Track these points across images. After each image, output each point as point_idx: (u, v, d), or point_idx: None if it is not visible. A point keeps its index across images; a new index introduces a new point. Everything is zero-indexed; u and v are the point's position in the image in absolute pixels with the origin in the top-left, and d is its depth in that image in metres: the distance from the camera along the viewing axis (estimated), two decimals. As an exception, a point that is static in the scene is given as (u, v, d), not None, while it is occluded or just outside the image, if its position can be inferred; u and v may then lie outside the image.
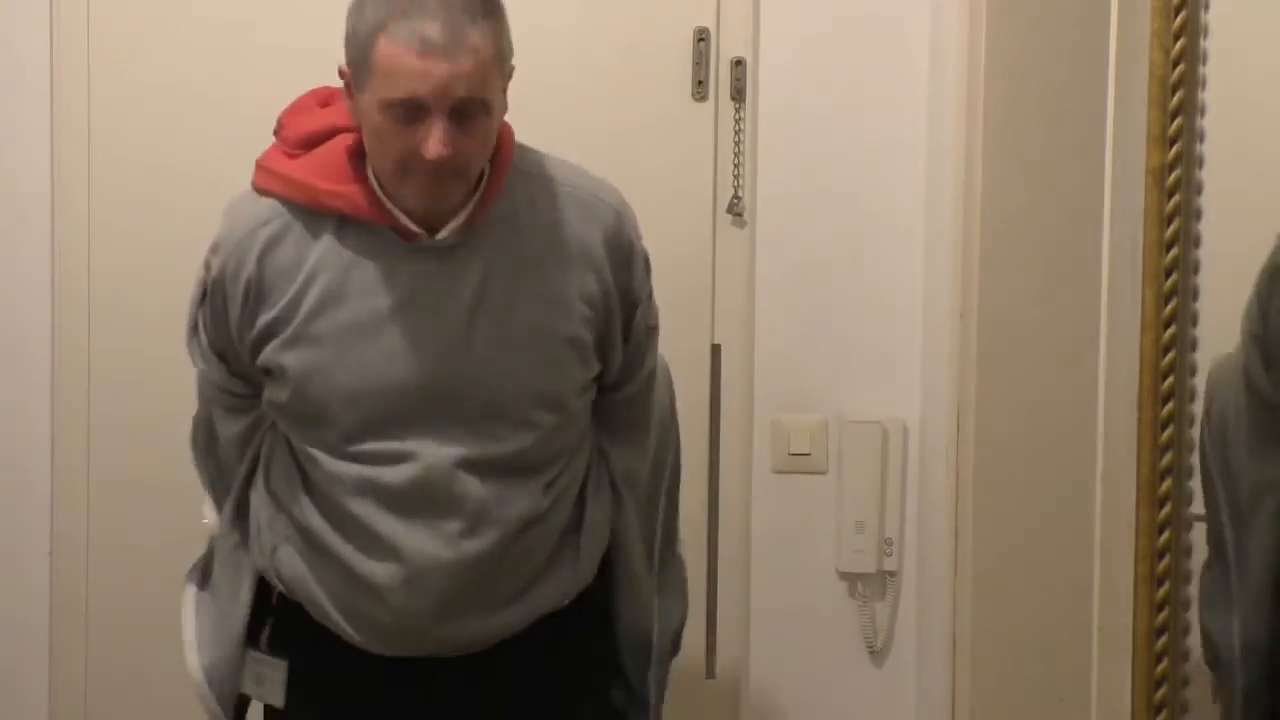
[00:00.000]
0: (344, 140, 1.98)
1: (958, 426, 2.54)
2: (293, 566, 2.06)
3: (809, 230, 2.71)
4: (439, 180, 1.90)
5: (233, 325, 2.03)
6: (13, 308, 2.78)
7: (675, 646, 2.23)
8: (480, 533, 1.99)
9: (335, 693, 2.09)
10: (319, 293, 1.97)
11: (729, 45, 2.74)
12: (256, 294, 2.00)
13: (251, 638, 2.12)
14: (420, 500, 1.98)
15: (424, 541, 1.98)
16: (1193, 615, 1.65)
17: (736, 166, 2.74)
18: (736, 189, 2.74)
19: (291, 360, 1.98)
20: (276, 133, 2.07)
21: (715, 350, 2.76)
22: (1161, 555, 1.57)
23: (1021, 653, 2.38)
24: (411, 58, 1.84)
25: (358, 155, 1.97)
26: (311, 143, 2.01)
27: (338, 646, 2.05)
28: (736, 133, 2.75)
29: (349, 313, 1.97)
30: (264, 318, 2.00)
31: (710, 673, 2.74)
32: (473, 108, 1.88)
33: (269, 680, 2.10)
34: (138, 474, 2.80)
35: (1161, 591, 1.57)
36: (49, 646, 2.81)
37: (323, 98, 2.08)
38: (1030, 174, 2.37)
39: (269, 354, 2.00)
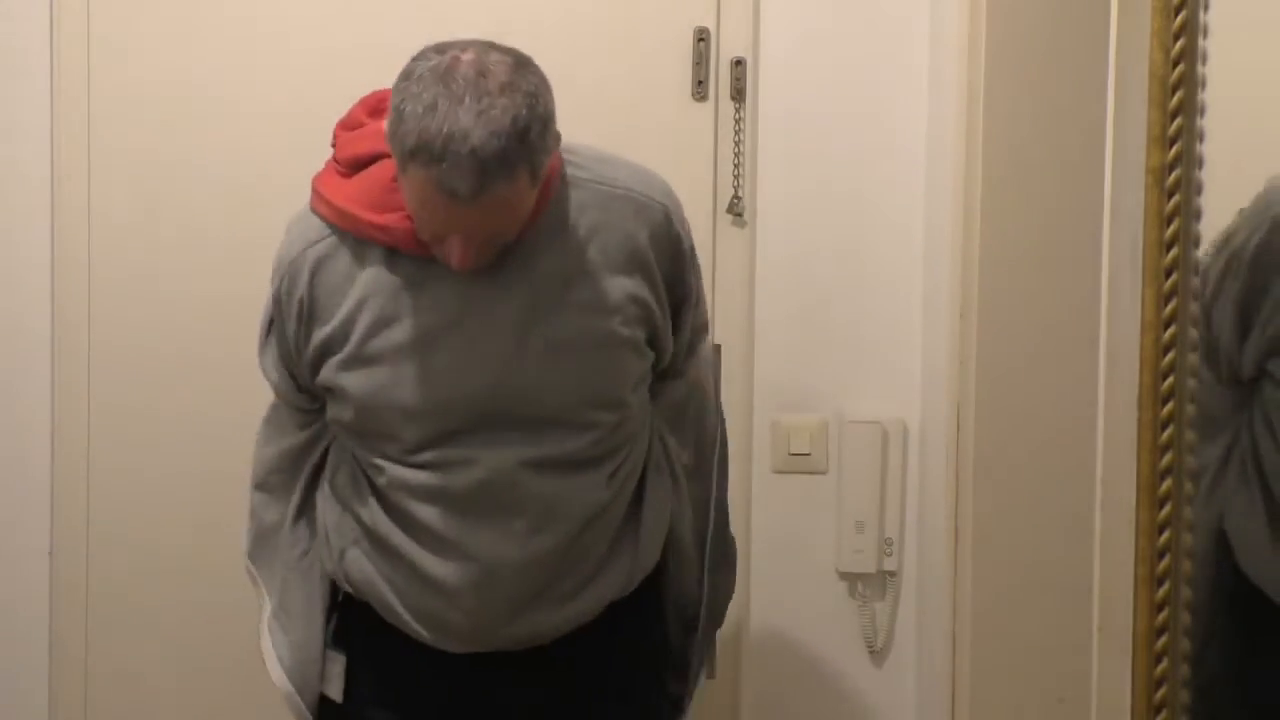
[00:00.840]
0: (388, 167, 1.96)
1: (958, 426, 2.54)
2: (361, 569, 2.08)
3: (809, 230, 2.71)
4: (470, 261, 1.94)
5: (291, 341, 2.06)
6: (13, 307, 2.78)
7: (718, 619, 2.28)
8: (547, 529, 2.02)
9: (399, 686, 2.12)
10: (372, 315, 2.00)
11: (729, 45, 2.74)
12: (310, 312, 2.03)
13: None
14: (486, 502, 2.01)
15: (492, 542, 2.00)
16: (1193, 615, 1.66)
17: (736, 166, 2.74)
18: (736, 189, 2.74)
19: (351, 382, 2.01)
20: (333, 145, 2.10)
21: (715, 350, 2.76)
22: (1161, 555, 1.57)
23: (1021, 653, 2.38)
24: (439, 201, 1.85)
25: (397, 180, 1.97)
26: (358, 164, 2.02)
27: (403, 641, 2.07)
28: (736, 133, 2.75)
29: (403, 333, 1.99)
30: (319, 334, 2.02)
31: (710, 673, 2.74)
32: (501, 234, 1.92)
33: (329, 674, 2.12)
34: (138, 474, 2.80)
35: (1161, 591, 1.57)
36: (49, 646, 2.81)
37: (371, 106, 2.09)
38: (1030, 174, 2.37)
39: (327, 374, 2.03)
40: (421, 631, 2.05)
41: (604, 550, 2.08)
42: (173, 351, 2.79)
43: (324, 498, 2.13)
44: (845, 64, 2.72)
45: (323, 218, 2.04)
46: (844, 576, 2.78)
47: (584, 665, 2.12)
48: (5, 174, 2.76)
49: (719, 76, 2.74)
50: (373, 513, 2.05)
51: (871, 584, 2.78)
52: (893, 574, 2.77)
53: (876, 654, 2.79)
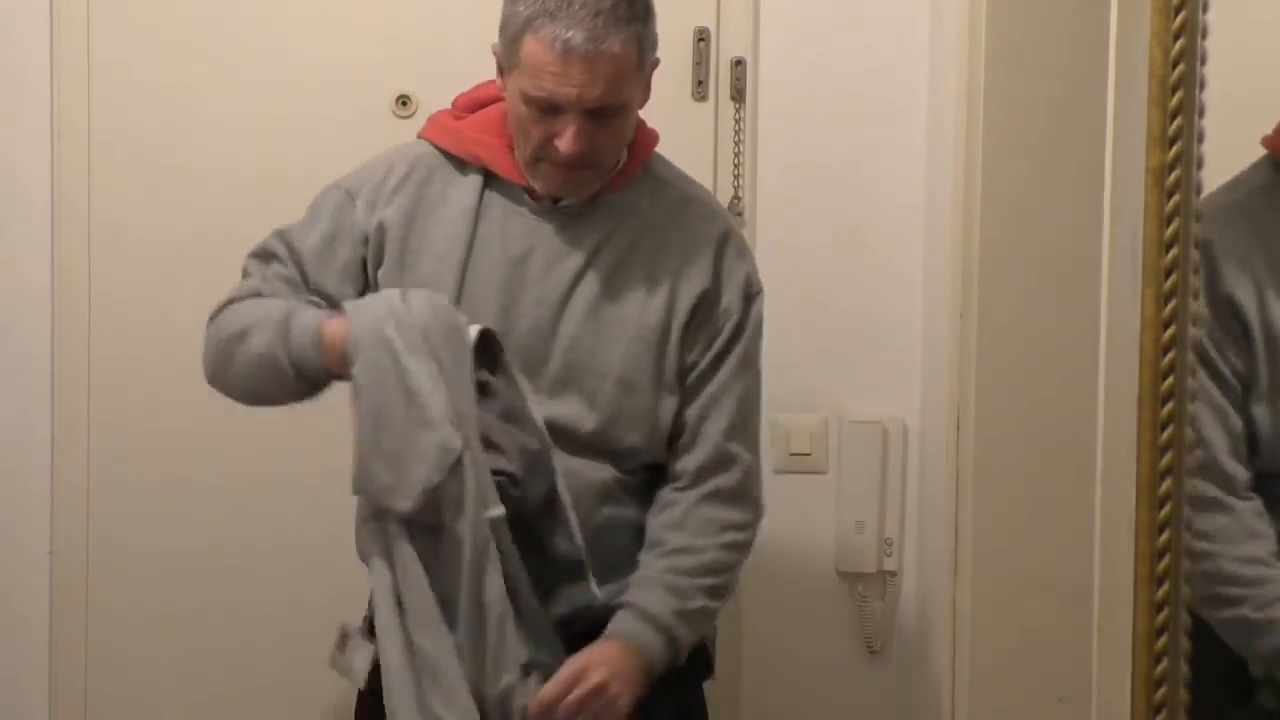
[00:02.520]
0: (502, 106, 2.09)
1: (958, 426, 2.54)
2: None
3: (809, 230, 2.71)
4: (570, 171, 2.02)
5: (351, 233, 2.10)
6: (13, 308, 2.78)
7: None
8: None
9: None
10: (445, 230, 2.07)
11: (729, 45, 2.74)
12: (387, 206, 2.09)
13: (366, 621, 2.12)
14: None
15: None
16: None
17: (736, 166, 2.75)
18: (736, 189, 2.74)
19: (405, 281, 2.07)
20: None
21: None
22: (1161, 555, 1.57)
23: (1021, 653, 2.38)
24: (553, 60, 1.94)
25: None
26: (476, 106, 2.14)
27: None
28: (736, 133, 2.75)
29: (466, 252, 2.07)
30: (391, 236, 2.09)
31: (710, 673, 2.74)
32: (609, 109, 1.99)
33: (358, 666, 2.08)
34: (138, 474, 2.80)
35: (1161, 591, 1.57)
36: (49, 646, 2.81)
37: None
38: (1030, 174, 2.37)
39: (382, 273, 2.09)
40: None
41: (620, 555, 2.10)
42: (172, 353, 2.78)
43: None
44: (845, 64, 2.72)
45: (430, 140, 2.14)
46: (844, 576, 2.78)
47: None
48: (5, 175, 2.76)
49: (719, 76, 2.75)
50: None
51: (871, 584, 2.79)
52: (892, 574, 2.77)
53: (876, 654, 2.79)
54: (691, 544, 2.09)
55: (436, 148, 2.14)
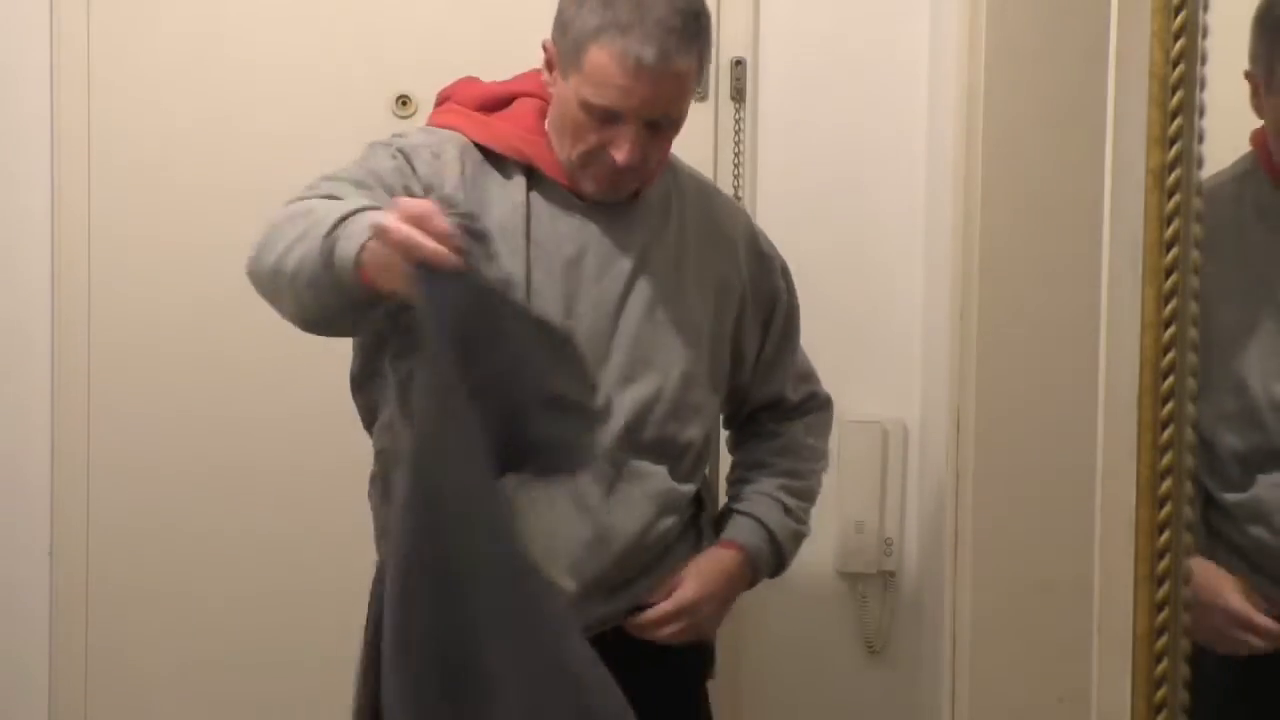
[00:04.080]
0: (531, 104, 2.07)
1: (958, 426, 2.54)
2: None
3: (809, 230, 2.71)
4: (619, 176, 2.01)
5: (407, 190, 1.97)
6: (13, 307, 2.78)
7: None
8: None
9: None
10: (500, 227, 1.99)
11: (729, 45, 2.74)
12: (445, 197, 1.93)
13: None
14: None
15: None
16: (1193, 616, 1.66)
17: (736, 166, 2.74)
18: (736, 189, 2.74)
19: None
20: (441, 104, 2.14)
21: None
22: (1161, 555, 1.57)
23: (1021, 652, 2.38)
24: (622, 74, 1.93)
25: (544, 119, 2.06)
26: (492, 105, 2.10)
27: None
28: (736, 133, 2.75)
29: (522, 254, 2.01)
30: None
31: (710, 673, 2.74)
32: (666, 122, 1.99)
33: None
34: (138, 474, 2.80)
35: (1161, 591, 1.57)
36: (49, 646, 2.81)
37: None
38: (1030, 174, 2.37)
39: None
40: None
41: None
42: (172, 351, 2.79)
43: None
44: (845, 64, 2.72)
45: (458, 131, 2.05)
46: (844, 576, 2.78)
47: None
48: (5, 175, 2.76)
49: (719, 76, 2.74)
50: None
51: (871, 584, 2.78)
52: (892, 574, 2.77)
53: (876, 654, 2.79)
54: (799, 469, 2.25)
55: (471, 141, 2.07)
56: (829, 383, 2.73)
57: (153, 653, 2.82)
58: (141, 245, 2.79)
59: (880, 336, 2.74)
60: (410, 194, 1.92)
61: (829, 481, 2.75)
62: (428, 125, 2.12)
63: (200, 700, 2.83)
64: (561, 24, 2.00)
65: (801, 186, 2.72)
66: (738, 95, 2.74)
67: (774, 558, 2.20)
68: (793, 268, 2.67)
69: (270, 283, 1.84)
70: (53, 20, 2.74)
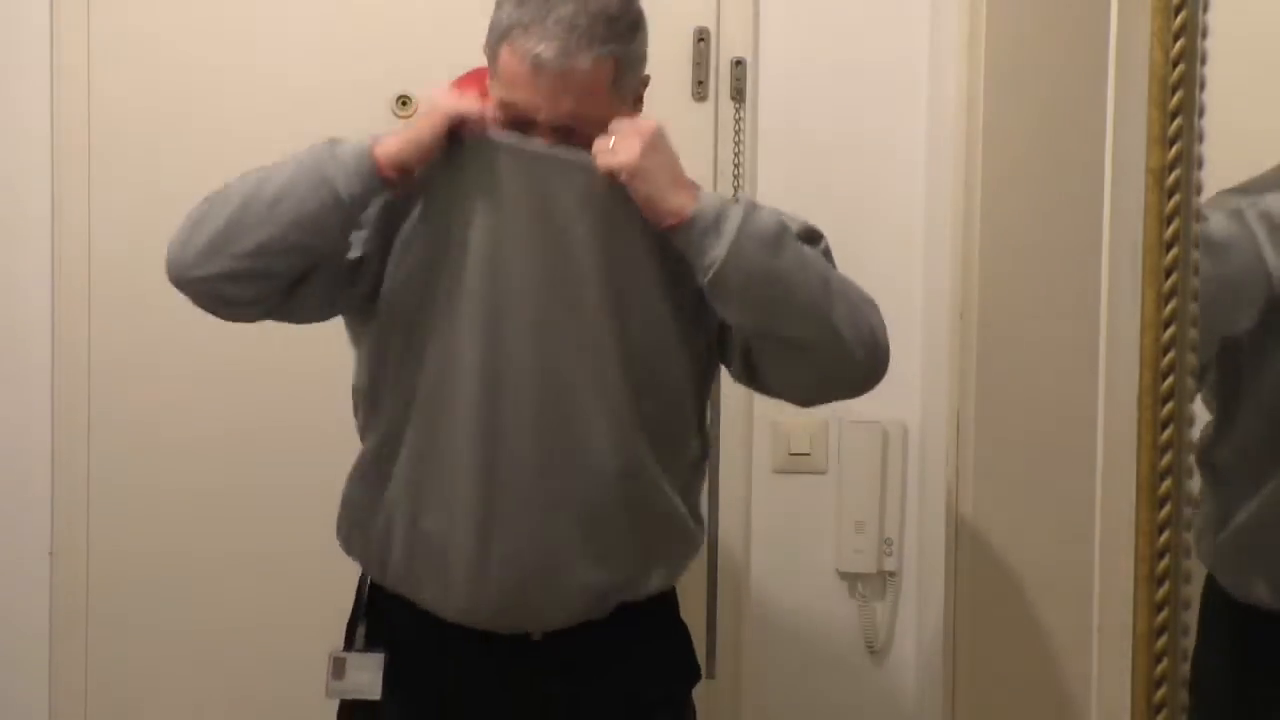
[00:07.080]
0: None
1: (958, 427, 2.54)
2: None
3: (809, 230, 2.71)
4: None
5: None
6: (13, 308, 2.78)
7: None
8: None
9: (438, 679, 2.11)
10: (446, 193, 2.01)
11: (729, 45, 2.74)
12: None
13: (347, 642, 2.13)
14: None
15: None
16: (1192, 615, 1.66)
17: (736, 166, 2.75)
18: (736, 189, 2.74)
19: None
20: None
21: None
22: (1161, 555, 1.57)
23: (1021, 653, 2.38)
24: (524, 73, 1.93)
25: None
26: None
27: (427, 632, 2.07)
28: (736, 133, 2.75)
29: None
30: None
31: (710, 673, 2.74)
32: (581, 125, 1.95)
33: (368, 679, 2.09)
34: (138, 474, 2.80)
35: (1161, 591, 1.57)
36: (49, 646, 2.81)
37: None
38: (1030, 174, 2.37)
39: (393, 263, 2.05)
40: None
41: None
42: (173, 353, 2.79)
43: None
44: (845, 64, 2.72)
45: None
46: (844, 576, 2.78)
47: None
48: (5, 176, 2.76)
49: (719, 76, 2.75)
50: None
51: (871, 584, 2.79)
52: (892, 574, 2.77)
53: (876, 654, 2.79)
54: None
55: None
56: (829, 383, 2.74)
57: (152, 653, 2.82)
58: (141, 245, 2.78)
59: (880, 337, 2.73)
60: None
61: (829, 481, 2.76)
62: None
63: (200, 701, 2.83)
64: (490, 25, 2.01)
65: (801, 186, 2.72)
66: (738, 95, 2.75)
67: (730, 216, 2.01)
68: (793, 268, 2.69)
69: (224, 232, 2.05)
70: (53, 20, 2.74)
